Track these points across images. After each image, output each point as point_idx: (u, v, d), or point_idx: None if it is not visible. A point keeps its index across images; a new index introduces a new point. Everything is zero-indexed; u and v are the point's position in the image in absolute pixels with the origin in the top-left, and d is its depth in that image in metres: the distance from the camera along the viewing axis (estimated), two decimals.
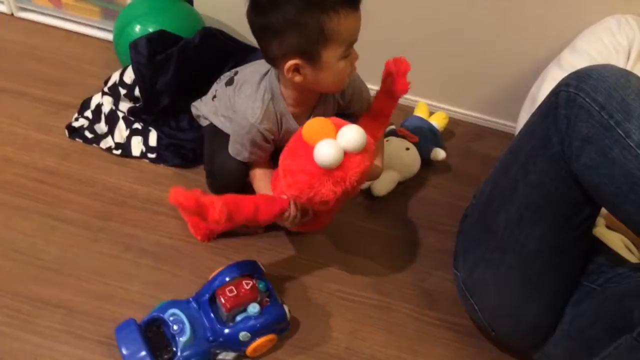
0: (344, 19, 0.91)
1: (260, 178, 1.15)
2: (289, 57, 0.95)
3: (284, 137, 1.10)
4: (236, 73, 1.20)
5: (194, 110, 1.28)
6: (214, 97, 1.24)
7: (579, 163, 0.81)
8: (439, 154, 1.46)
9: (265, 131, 1.06)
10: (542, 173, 0.88)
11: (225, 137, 1.16)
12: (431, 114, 1.57)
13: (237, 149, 1.11)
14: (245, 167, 1.14)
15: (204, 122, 1.28)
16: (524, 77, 1.46)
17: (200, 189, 0.90)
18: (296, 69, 0.96)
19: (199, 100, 1.28)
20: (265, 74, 1.07)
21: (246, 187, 1.17)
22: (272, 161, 1.17)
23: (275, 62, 1.00)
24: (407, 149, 1.42)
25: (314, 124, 0.92)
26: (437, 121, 1.53)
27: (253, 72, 1.11)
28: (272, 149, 1.13)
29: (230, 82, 1.19)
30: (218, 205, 0.89)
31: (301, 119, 1.08)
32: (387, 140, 1.45)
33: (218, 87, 1.24)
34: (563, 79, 0.85)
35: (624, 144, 0.76)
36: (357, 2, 0.93)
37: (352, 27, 0.94)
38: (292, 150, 0.96)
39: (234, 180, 1.15)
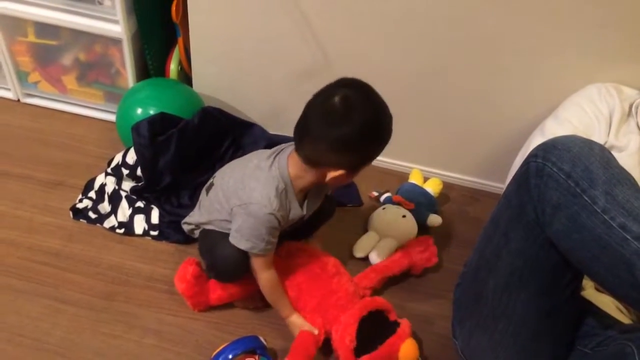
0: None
1: (272, 290, 1.17)
2: (337, 168, 1.03)
3: (287, 223, 1.14)
4: (214, 177, 1.23)
5: (185, 227, 1.29)
6: (199, 207, 1.26)
7: (552, 229, 0.85)
8: (435, 220, 1.48)
9: (280, 217, 1.09)
10: (522, 240, 0.91)
11: (218, 232, 1.18)
12: (425, 179, 1.60)
13: (252, 243, 1.09)
14: (245, 254, 1.12)
15: (197, 233, 1.27)
16: (512, 141, 1.50)
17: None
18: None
19: (187, 216, 1.29)
20: (271, 166, 1.10)
21: (248, 276, 1.17)
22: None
23: (317, 165, 1.05)
24: (404, 216, 1.45)
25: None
26: (432, 187, 1.56)
27: (253, 168, 1.12)
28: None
29: (209, 187, 1.22)
30: None
31: (300, 201, 1.14)
32: (383, 208, 1.48)
33: (201, 197, 1.26)
34: (532, 150, 0.89)
35: (591, 210, 0.79)
36: None
37: None
38: None
39: (237, 268, 1.15)
